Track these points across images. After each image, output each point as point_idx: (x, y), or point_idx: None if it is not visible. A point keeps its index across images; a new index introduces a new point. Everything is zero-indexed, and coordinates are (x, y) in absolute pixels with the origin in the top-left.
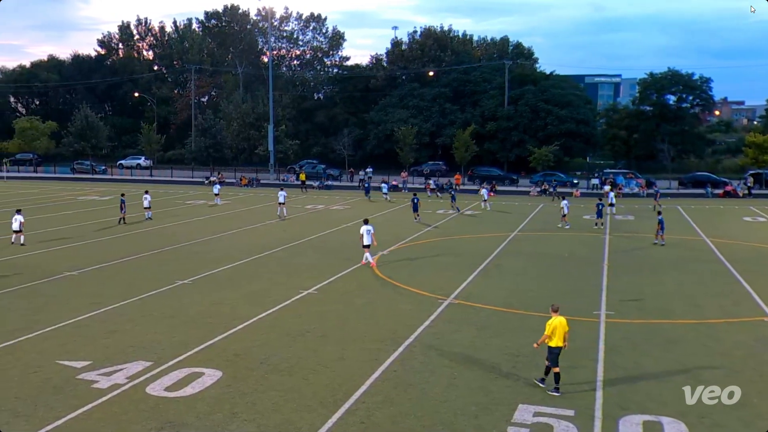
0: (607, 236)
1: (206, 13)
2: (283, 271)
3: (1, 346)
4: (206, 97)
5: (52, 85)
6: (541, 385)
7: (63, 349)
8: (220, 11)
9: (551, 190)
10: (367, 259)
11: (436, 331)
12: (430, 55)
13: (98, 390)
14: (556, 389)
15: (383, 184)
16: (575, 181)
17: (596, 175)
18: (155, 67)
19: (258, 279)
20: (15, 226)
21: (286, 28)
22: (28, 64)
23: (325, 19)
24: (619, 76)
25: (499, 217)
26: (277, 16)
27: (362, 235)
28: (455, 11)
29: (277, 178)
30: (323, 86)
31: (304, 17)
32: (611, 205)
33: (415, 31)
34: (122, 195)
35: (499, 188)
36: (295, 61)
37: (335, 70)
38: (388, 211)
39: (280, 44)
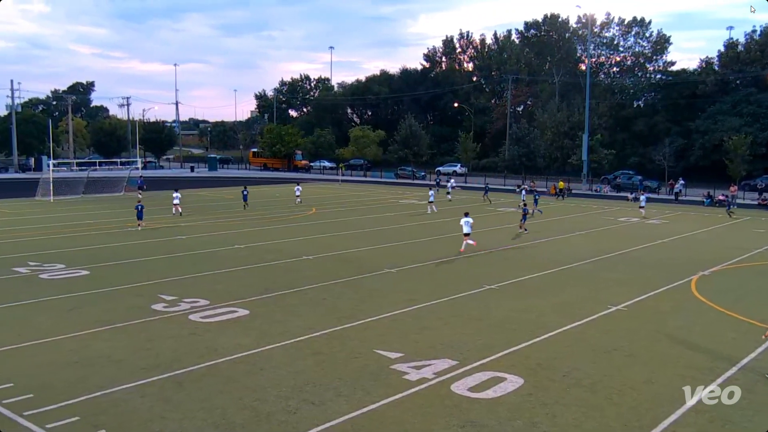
0: None
1: (526, 24)
2: (591, 284)
3: (331, 330)
4: (522, 107)
5: (382, 97)
6: None
7: (380, 339)
8: (540, 21)
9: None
10: (469, 244)
11: (765, 366)
12: None
13: (408, 381)
14: None
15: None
16: None
17: None
18: (474, 78)
19: (565, 290)
20: (176, 201)
21: (606, 34)
22: (363, 79)
23: (650, 22)
24: None
25: None
26: (598, 22)
27: (462, 225)
28: None
29: (590, 188)
30: (644, 93)
31: (626, 22)
32: None
33: (754, 30)
34: (244, 188)
35: None
36: (614, 68)
37: (658, 76)
38: (719, 226)
39: (599, 51)
